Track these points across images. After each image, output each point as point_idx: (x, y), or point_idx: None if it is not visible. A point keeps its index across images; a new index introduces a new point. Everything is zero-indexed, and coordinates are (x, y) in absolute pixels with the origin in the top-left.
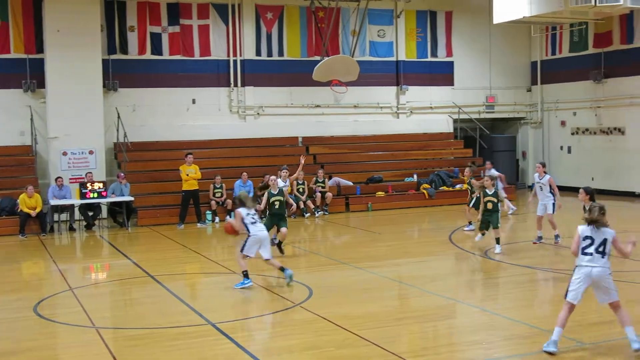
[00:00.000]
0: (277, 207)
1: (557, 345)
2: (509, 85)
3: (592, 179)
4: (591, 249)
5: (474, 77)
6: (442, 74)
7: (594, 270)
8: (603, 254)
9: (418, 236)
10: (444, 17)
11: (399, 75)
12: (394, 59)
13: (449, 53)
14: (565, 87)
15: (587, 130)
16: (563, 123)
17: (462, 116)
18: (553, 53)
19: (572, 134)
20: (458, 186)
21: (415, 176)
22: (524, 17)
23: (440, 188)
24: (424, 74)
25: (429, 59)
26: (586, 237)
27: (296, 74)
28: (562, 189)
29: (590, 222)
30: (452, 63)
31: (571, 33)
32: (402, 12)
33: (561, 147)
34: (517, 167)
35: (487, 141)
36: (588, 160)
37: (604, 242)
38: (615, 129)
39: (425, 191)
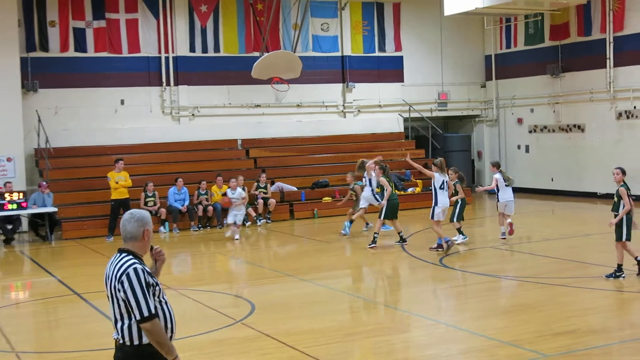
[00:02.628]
0: None
1: None
2: (462, 81)
3: (552, 180)
4: None
5: (424, 72)
6: (390, 70)
7: None
8: None
9: (367, 244)
10: (392, 9)
11: (345, 71)
12: (339, 54)
13: (398, 47)
14: (521, 82)
15: (545, 127)
16: (520, 120)
17: (413, 115)
18: (508, 46)
19: (530, 132)
20: (410, 190)
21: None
22: (476, 8)
23: None
24: (372, 70)
25: (377, 53)
26: None
27: (234, 72)
28: (520, 190)
29: None
30: (401, 58)
31: (526, 25)
32: (347, 4)
33: (518, 146)
34: (473, 167)
35: (440, 141)
36: (547, 159)
37: None
38: (574, 126)
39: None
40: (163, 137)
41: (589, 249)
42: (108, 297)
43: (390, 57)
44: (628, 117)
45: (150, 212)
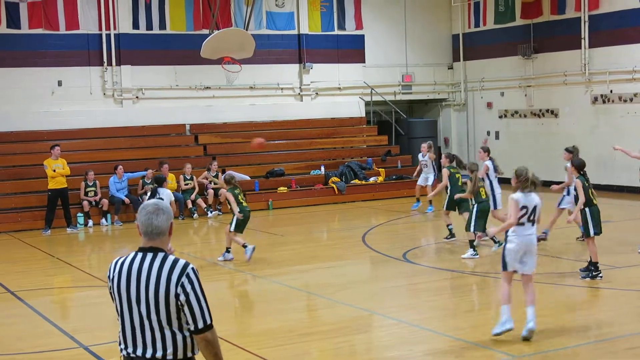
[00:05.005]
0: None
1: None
2: (428, 62)
3: None
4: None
5: (388, 53)
6: (351, 50)
7: None
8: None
9: (327, 238)
10: None
11: (302, 51)
12: (295, 32)
13: (359, 25)
14: (491, 63)
15: (516, 112)
16: (489, 105)
17: (376, 98)
18: (476, 25)
19: (500, 117)
20: (372, 179)
21: (322, 168)
22: None
23: (351, 181)
24: (331, 50)
25: (336, 32)
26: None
27: (181, 51)
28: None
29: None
30: (362, 37)
31: (496, 2)
32: None
33: (488, 132)
34: (439, 155)
35: (405, 126)
36: (518, 146)
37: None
38: (547, 111)
39: (334, 185)
40: (104, 122)
41: (563, 242)
42: (120, 304)
43: (351, 36)
44: (604, 102)
45: (91, 203)
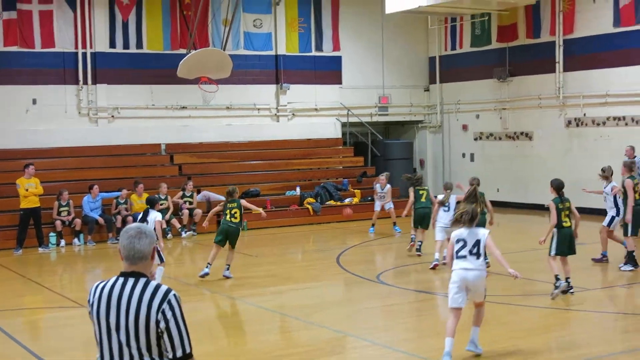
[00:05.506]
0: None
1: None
2: (405, 84)
3: (498, 190)
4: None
5: (364, 74)
6: (328, 71)
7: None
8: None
9: (301, 259)
10: (330, 5)
11: (279, 71)
12: (272, 53)
13: (336, 47)
14: (466, 86)
15: (491, 135)
16: (465, 127)
17: (352, 119)
18: (453, 48)
19: (475, 139)
20: (347, 200)
21: (298, 189)
22: (419, 6)
23: (327, 202)
24: (308, 71)
25: (313, 53)
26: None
27: (158, 70)
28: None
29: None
30: (339, 58)
31: (472, 25)
32: None
33: (463, 154)
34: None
35: (381, 148)
36: (493, 168)
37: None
38: (522, 133)
39: (309, 206)
40: (79, 141)
41: (536, 264)
42: (99, 330)
43: (328, 57)
44: (578, 125)
45: (64, 222)
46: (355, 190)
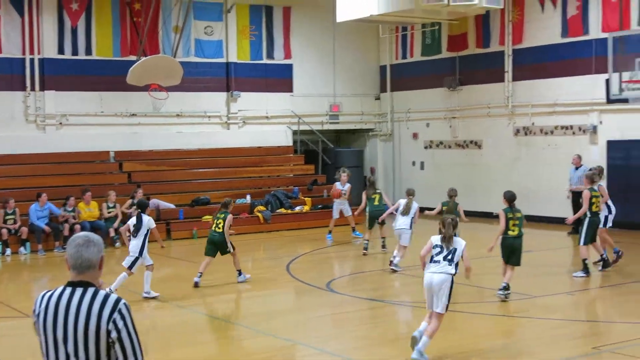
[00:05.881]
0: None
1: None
2: (356, 92)
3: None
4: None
5: (316, 82)
6: (279, 79)
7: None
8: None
9: (252, 267)
10: (282, 13)
11: (230, 79)
12: (223, 60)
13: (287, 55)
14: (417, 94)
15: (441, 143)
16: (415, 135)
17: (303, 127)
18: (404, 57)
19: (426, 147)
20: (297, 208)
21: (248, 197)
22: (370, 15)
23: (277, 210)
24: (259, 79)
25: (265, 61)
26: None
27: (107, 77)
28: None
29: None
30: (290, 66)
31: (423, 35)
32: (232, 7)
33: (413, 163)
34: (365, 185)
35: (331, 156)
36: (443, 177)
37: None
38: (471, 142)
39: (259, 214)
40: (26, 148)
41: (485, 272)
42: (46, 342)
43: (279, 65)
44: (526, 134)
45: (10, 231)
46: (306, 198)
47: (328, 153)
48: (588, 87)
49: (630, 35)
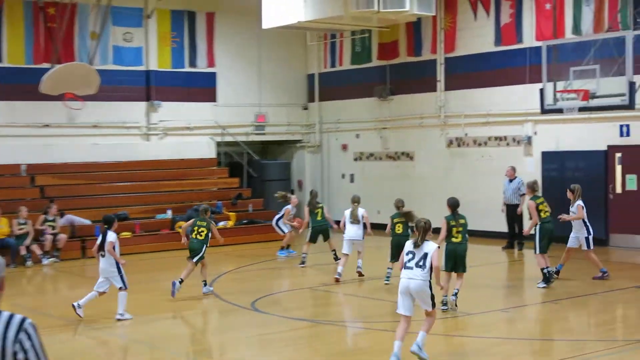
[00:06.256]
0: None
1: None
2: (283, 102)
3: (378, 212)
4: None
5: (240, 92)
6: (202, 88)
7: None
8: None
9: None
10: (205, 19)
11: (150, 88)
12: (143, 68)
13: (211, 63)
14: (346, 104)
15: (371, 155)
16: (344, 147)
17: (227, 139)
18: (332, 65)
19: (355, 159)
20: (222, 223)
21: (169, 212)
22: (298, 22)
23: None
24: (181, 88)
25: (187, 69)
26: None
27: (19, 85)
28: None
29: None
30: (214, 75)
31: (353, 42)
32: (153, 12)
33: (343, 175)
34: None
35: (257, 168)
36: (373, 189)
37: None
38: (403, 153)
39: (181, 230)
40: None
41: None
42: None
43: (202, 74)
44: (459, 145)
45: None
46: (230, 213)
47: (253, 165)
48: (522, 97)
49: (565, 43)
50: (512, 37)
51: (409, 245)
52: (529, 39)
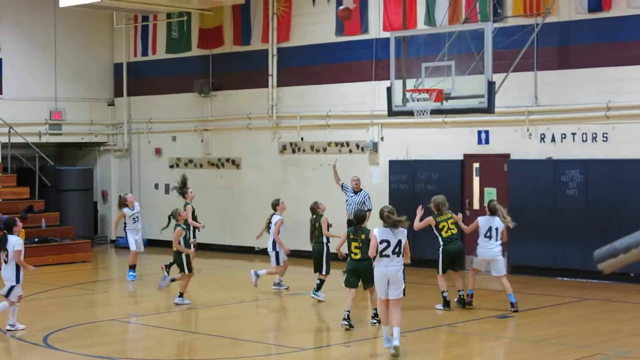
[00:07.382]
0: None
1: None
2: (83, 96)
3: (197, 231)
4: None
5: (31, 83)
6: None
7: None
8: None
9: None
10: None
11: None
12: None
13: None
14: (161, 100)
15: (190, 161)
16: (158, 151)
17: (15, 139)
18: (144, 53)
19: (171, 166)
20: None
21: None
22: (102, 0)
23: None
24: None
25: None
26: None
27: None
28: (156, 243)
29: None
30: None
31: (169, 27)
32: None
33: (156, 185)
34: (96, 213)
35: (52, 176)
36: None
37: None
38: (227, 160)
39: None
40: None
41: (245, 321)
42: None
43: None
44: (294, 151)
45: None
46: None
47: (47, 172)
48: (367, 96)
49: (416, 35)
50: (356, 27)
51: (381, 234)
52: (376, 29)
